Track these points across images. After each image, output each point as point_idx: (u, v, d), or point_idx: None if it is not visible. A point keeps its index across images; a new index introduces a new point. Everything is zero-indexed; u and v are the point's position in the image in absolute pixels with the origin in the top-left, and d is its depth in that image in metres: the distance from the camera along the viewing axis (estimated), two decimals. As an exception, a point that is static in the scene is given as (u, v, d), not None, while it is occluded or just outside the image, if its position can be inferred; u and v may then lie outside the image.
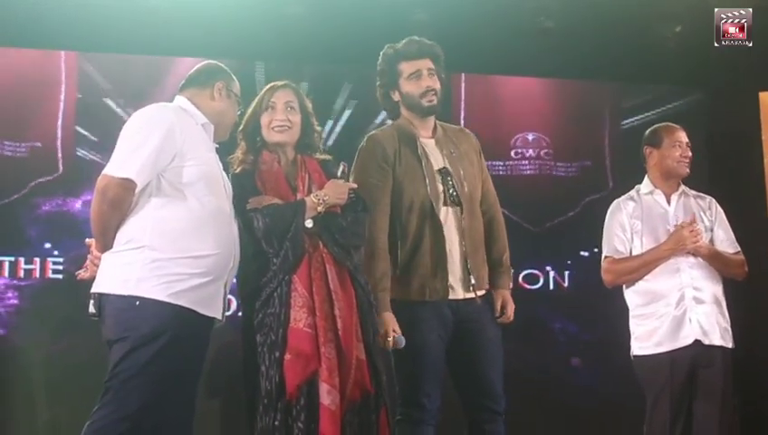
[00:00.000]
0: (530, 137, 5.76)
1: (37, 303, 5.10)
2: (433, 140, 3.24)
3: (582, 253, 5.55)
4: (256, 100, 3.07)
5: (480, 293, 3.14)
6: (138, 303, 2.58)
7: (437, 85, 3.22)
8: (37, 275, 5.11)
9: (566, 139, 5.80)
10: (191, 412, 2.74)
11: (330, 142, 5.05)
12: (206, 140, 2.84)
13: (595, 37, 5.51)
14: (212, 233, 2.70)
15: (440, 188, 3.15)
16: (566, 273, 5.61)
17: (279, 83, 3.08)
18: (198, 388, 2.79)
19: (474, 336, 3.11)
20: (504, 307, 3.22)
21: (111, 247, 2.66)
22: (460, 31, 5.01)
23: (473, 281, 3.10)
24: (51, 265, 5.11)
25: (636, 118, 5.79)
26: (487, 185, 3.34)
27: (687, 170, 3.66)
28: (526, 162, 5.73)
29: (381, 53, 3.28)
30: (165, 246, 2.63)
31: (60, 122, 5.24)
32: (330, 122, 5.37)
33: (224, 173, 2.88)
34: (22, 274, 5.08)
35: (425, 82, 3.19)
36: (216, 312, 2.74)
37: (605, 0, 5.37)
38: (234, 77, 2.98)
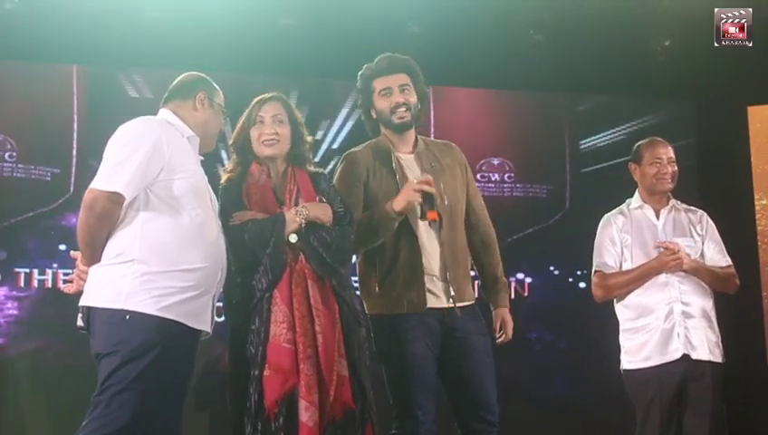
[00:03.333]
0: (495, 162, 5.97)
1: (35, 313, 5.12)
2: (412, 155, 3.23)
3: (543, 265, 5.95)
4: (245, 113, 3.05)
5: (460, 304, 3.12)
6: (128, 317, 2.57)
7: (411, 99, 3.19)
8: (49, 286, 5.14)
9: (529, 160, 6.04)
10: (179, 425, 2.73)
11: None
12: (192, 153, 2.83)
13: (587, 51, 5.52)
14: (201, 246, 2.70)
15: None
16: (526, 282, 5.94)
17: (267, 96, 3.05)
18: (186, 400, 2.78)
19: (460, 346, 3.10)
20: (503, 326, 3.23)
21: (98, 261, 2.65)
22: (452, 44, 5.03)
23: (452, 292, 3.10)
24: (61, 276, 5.12)
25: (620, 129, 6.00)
26: (476, 200, 3.33)
27: (669, 186, 3.62)
28: (492, 185, 5.97)
29: (359, 75, 3.26)
30: (154, 259, 2.62)
31: (75, 136, 5.25)
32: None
33: (209, 186, 2.87)
34: (35, 283, 5.12)
35: (395, 97, 3.17)
36: (204, 325, 2.74)
37: (598, 12, 5.38)
38: (216, 87, 2.96)
